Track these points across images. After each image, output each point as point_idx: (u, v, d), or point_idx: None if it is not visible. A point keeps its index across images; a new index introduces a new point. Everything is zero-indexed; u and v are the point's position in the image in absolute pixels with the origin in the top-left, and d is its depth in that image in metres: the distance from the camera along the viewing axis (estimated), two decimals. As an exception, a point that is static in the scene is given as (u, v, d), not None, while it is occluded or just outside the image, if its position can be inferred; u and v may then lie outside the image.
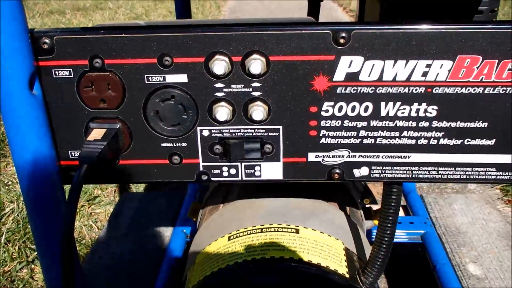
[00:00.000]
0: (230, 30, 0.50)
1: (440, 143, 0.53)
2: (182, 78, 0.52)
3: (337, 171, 0.56)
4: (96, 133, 0.52)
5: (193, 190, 1.57)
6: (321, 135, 0.54)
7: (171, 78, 0.52)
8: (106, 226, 1.47)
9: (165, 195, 1.68)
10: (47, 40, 0.50)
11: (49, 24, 4.82)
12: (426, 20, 0.49)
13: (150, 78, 0.52)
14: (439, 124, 0.52)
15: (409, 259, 1.41)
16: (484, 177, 0.54)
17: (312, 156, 0.55)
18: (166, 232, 1.42)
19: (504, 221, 1.22)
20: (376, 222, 1.04)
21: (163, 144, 0.55)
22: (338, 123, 0.53)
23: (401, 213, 1.37)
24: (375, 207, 1.06)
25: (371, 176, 0.56)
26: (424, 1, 0.74)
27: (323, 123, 0.53)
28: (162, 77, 0.52)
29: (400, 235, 1.23)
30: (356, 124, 0.53)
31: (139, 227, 1.42)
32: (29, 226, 1.69)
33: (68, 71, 0.52)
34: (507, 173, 0.54)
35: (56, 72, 0.52)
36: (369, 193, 1.03)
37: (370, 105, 0.52)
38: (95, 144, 0.50)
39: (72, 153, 0.55)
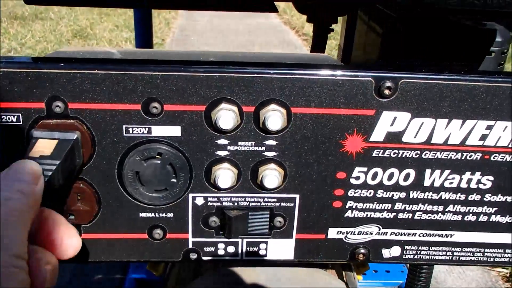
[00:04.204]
0: (243, 71, 0.37)
1: (491, 220, 0.43)
2: (174, 131, 0.39)
3: (363, 251, 0.44)
4: (43, 147, 0.35)
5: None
6: (347, 207, 0.43)
7: (159, 131, 0.39)
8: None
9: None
10: None
11: (-19, 33, 4.43)
12: (437, 62, 0.40)
13: (130, 129, 0.38)
14: (493, 198, 0.42)
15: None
16: None
17: (333, 232, 0.44)
18: (118, 276, 1.25)
19: (481, 269, 1.16)
20: (360, 277, 0.94)
21: (142, 214, 0.41)
22: (370, 193, 0.42)
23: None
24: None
25: (403, 257, 0.45)
26: (435, 40, 0.66)
27: (351, 192, 0.42)
28: (147, 128, 0.38)
29: (376, 285, 1.14)
30: (392, 195, 0.42)
31: (85, 273, 1.23)
32: None
33: (15, 117, 0.37)
34: None
35: (1, 117, 0.37)
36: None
37: (413, 172, 0.41)
38: (43, 163, 0.33)
39: None
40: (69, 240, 0.31)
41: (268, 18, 5.81)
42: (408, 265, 0.49)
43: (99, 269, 1.25)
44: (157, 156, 0.39)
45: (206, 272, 0.67)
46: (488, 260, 0.45)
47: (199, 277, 0.65)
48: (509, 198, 0.42)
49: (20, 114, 0.37)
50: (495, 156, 0.41)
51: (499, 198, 0.42)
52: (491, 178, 0.42)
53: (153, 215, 0.41)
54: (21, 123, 0.37)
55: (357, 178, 0.41)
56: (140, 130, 0.38)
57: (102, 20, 5.52)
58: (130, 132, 0.38)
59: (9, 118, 0.37)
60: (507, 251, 0.45)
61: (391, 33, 0.70)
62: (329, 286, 0.61)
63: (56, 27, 4.99)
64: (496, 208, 0.43)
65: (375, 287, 1.12)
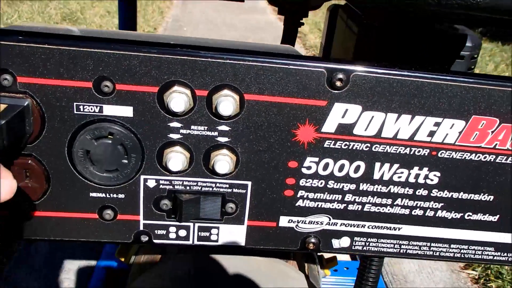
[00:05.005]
0: (196, 54, 0.38)
1: (437, 215, 0.44)
2: (126, 111, 0.39)
3: (313, 240, 0.45)
4: None
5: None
6: (298, 196, 0.43)
7: (110, 110, 0.39)
8: (16, 258, 1.26)
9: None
10: None
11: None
12: (404, 62, 0.40)
13: (81, 107, 0.38)
14: (439, 194, 0.43)
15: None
16: (480, 256, 0.46)
17: (284, 221, 0.44)
18: (89, 264, 1.24)
19: (449, 270, 1.18)
20: (328, 272, 0.95)
21: (93, 194, 0.42)
22: (321, 183, 0.43)
23: (347, 257, 1.30)
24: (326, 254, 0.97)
25: (352, 248, 0.46)
26: (407, 44, 0.67)
27: (302, 182, 0.43)
28: (98, 107, 0.38)
29: (346, 282, 1.15)
30: (343, 186, 0.43)
31: (57, 259, 1.23)
32: None
33: None
34: (506, 254, 0.46)
35: None
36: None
37: (363, 165, 0.42)
38: None
39: None
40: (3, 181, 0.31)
41: (264, 15, 5.81)
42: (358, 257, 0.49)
43: (72, 256, 1.25)
44: (108, 136, 0.39)
45: (166, 259, 0.68)
46: (434, 254, 0.46)
47: (157, 264, 0.66)
48: (455, 195, 0.43)
49: None
50: (442, 152, 0.42)
51: (445, 194, 0.43)
52: (438, 174, 0.42)
53: (103, 195, 0.42)
54: None
55: (309, 168, 0.42)
56: (91, 109, 0.38)
57: (93, 5, 5.46)
58: (81, 110, 0.38)
59: None
60: (452, 246, 0.46)
61: (364, 34, 0.71)
62: (285, 275, 0.62)
63: (45, 9, 4.92)
64: (443, 204, 0.44)
65: (344, 285, 1.14)
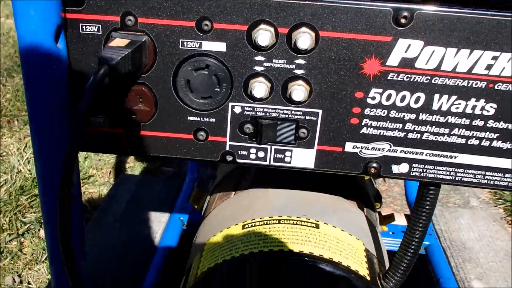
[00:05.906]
0: (279, -3, 0.45)
1: (492, 145, 0.49)
2: (220, 46, 0.47)
3: (374, 165, 0.51)
4: (119, 42, 0.45)
5: (191, 177, 1.53)
6: (363, 124, 0.49)
7: (208, 46, 0.47)
8: (100, 208, 1.42)
9: (162, 180, 1.63)
10: None
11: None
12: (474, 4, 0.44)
13: (185, 43, 0.47)
14: (495, 125, 0.48)
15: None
16: None
17: (349, 146, 0.51)
18: (162, 217, 1.37)
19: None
20: (385, 228, 1.00)
21: (190, 118, 0.50)
22: (384, 112, 0.49)
23: (404, 221, 1.33)
24: (383, 211, 1.01)
25: (410, 174, 0.52)
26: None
27: (367, 111, 0.49)
28: (199, 43, 0.47)
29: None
30: (404, 116, 0.49)
31: (135, 211, 1.37)
32: (21, 199, 1.63)
33: (96, 27, 0.47)
34: None
35: (84, 27, 0.47)
36: (379, 196, 0.99)
37: (423, 96, 0.47)
38: (118, 50, 0.43)
39: (90, 118, 0.50)
40: None
41: None
42: (418, 184, 0.54)
43: (147, 207, 1.38)
44: (205, 68, 0.48)
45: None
46: (489, 183, 0.51)
47: (223, 201, 0.74)
48: (510, 126, 0.47)
49: (100, 25, 0.47)
50: (499, 85, 0.46)
51: (501, 125, 0.48)
52: (495, 105, 0.47)
53: (198, 119, 0.50)
54: (100, 32, 0.47)
55: (373, 98, 0.48)
56: (193, 44, 0.47)
57: None
58: (185, 45, 0.47)
59: (91, 28, 0.47)
60: (507, 175, 0.50)
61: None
62: (348, 210, 0.68)
63: None
64: (498, 134, 0.48)
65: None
